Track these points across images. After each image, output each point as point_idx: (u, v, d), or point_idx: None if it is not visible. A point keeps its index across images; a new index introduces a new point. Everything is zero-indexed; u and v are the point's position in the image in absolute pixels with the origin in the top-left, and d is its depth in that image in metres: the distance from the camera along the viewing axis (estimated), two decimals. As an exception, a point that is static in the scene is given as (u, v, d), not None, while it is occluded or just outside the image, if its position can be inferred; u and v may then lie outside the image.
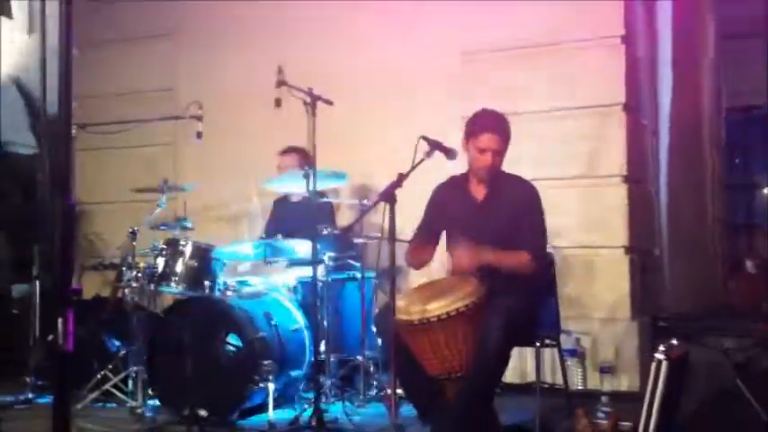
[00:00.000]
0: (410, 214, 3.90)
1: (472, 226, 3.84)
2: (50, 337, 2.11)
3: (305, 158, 4.82)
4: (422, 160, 3.66)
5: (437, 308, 3.43)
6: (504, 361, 3.57)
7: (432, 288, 3.72)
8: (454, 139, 3.88)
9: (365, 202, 4.97)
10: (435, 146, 3.73)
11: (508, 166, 4.04)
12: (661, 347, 3.35)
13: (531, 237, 3.83)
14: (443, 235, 4.02)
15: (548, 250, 4.05)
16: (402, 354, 3.43)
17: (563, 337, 4.24)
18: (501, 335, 3.45)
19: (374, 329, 4.34)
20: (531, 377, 3.99)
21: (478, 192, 3.95)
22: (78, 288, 1.92)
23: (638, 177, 5.38)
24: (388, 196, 3.50)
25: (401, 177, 3.55)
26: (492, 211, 3.88)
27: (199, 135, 4.70)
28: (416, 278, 4.62)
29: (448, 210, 4.00)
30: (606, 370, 4.67)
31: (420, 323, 3.44)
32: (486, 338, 3.44)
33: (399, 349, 3.41)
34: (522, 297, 3.67)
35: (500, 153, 3.87)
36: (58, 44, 2.34)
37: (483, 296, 3.49)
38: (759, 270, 7.15)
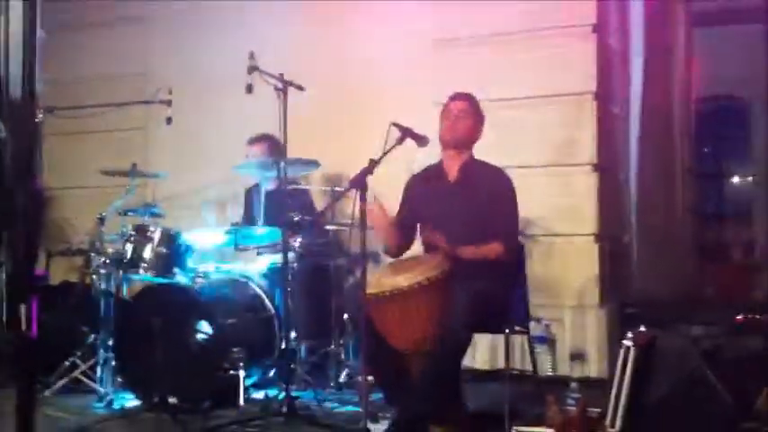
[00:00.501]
0: (383, 201, 3.92)
1: (444, 209, 3.88)
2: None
3: (274, 147, 4.80)
4: (393, 147, 3.68)
5: (407, 278, 3.50)
6: (467, 338, 3.59)
7: (401, 264, 3.82)
8: (426, 126, 3.90)
9: (337, 189, 4.96)
10: (406, 132, 3.75)
11: (480, 153, 4.07)
12: (629, 334, 3.38)
13: (504, 225, 3.87)
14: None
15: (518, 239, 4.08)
16: (371, 335, 3.45)
17: (533, 324, 4.27)
18: (468, 311, 3.49)
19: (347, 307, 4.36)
20: (501, 364, 4.00)
21: (451, 176, 3.98)
22: (43, 273, 1.89)
23: (608, 165, 5.40)
24: (359, 183, 3.51)
25: (372, 164, 3.57)
26: (464, 195, 3.91)
27: (168, 120, 4.65)
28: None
29: (422, 195, 4.04)
30: (576, 357, 4.71)
31: (391, 294, 3.48)
32: (453, 313, 3.47)
33: (369, 331, 3.44)
34: (491, 282, 3.70)
35: (466, 120, 3.93)
36: (22, 25, 2.30)
37: (450, 269, 3.54)
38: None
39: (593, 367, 4.90)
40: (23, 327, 1.95)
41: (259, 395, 4.46)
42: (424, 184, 4.10)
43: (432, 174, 4.08)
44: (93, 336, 4.69)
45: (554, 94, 5.19)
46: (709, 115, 9.44)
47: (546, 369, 4.84)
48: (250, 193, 5.43)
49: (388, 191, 4.11)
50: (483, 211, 3.85)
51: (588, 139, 5.18)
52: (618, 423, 3.29)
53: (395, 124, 3.73)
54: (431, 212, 3.96)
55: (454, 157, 4.02)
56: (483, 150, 4.07)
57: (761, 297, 5.91)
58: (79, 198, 6.18)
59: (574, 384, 4.00)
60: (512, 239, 3.92)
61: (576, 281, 5.10)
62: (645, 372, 3.32)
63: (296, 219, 4.52)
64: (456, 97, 4.03)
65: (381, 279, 3.57)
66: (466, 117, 3.96)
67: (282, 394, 4.07)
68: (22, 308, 1.97)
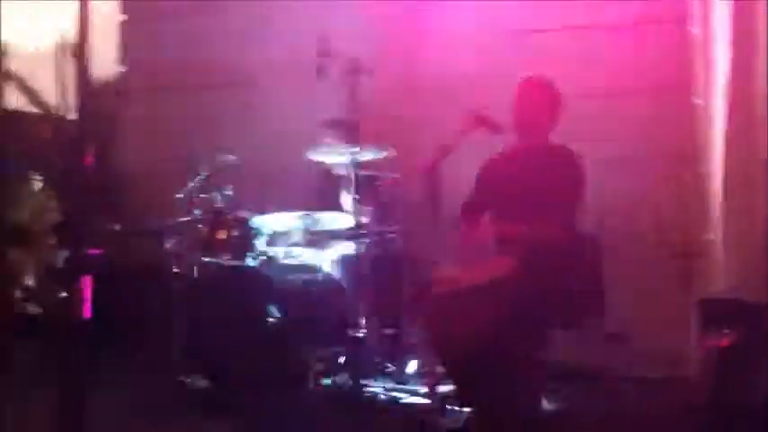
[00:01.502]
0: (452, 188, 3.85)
1: (511, 194, 3.78)
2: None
3: (348, 132, 4.75)
4: (466, 133, 3.61)
5: (478, 275, 3.49)
6: (540, 335, 3.51)
7: (473, 261, 3.78)
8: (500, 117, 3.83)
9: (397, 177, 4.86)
10: (481, 120, 3.68)
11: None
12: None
13: (567, 212, 3.74)
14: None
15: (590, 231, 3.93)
16: (441, 329, 3.39)
17: (607, 321, 4.14)
18: (540, 308, 3.45)
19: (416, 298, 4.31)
20: (572, 359, 3.91)
21: (521, 161, 3.87)
22: (98, 253, 1.88)
23: (689, 158, 5.23)
24: (431, 169, 3.46)
25: (444, 150, 3.50)
26: (531, 180, 3.78)
27: (244, 105, 4.67)
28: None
29: (492, 180, 3.95)
30: (653, 356, 4.57)
31: (461, 291, 3.45)
32: (526, 310, 3.40)
33: (439, 325, 3.38)
34: (564, 277, 3.59)
35: (530, 103, 3.83)
36: (79, 10, 2.30)
37: (521, 265, 3.47)
38: None
39: (671, 368, 4.74)
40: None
41: (327, 382, 4.44)
42: (494, 169, 4.00)
43: (503, 158, 3.98)
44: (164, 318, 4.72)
45: (635, 86, 5.04)
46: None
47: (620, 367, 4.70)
48: (322, 178, 5.40)
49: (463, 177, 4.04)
50: (560, 197, 3.71)
51: (669, 132, 5.01)
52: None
53: (471, 111, 3.67)
54: (501, 196, 3.86)
55: (532, 141, 3.89)
56: (563, 138, 3.97)
57: None
58: (154, 180, 6.25)
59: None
60: (570, 226, 3.76)
61: (654, 277, 4.95)
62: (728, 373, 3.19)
63: (367, 205, 4.49)
64: (524, 80, 3.91)
65: (452, 276, 3.49)
66: (531, 100, 3.82)
67: (351, 382, 4.04)
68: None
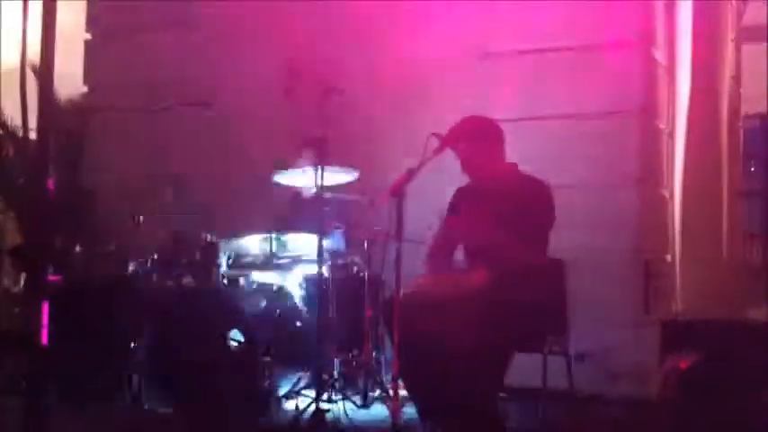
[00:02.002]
0: (418, 212, 3.86)
1: (483, 222, 3.80)
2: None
3: (317, 153, 4.75)
4: (431, 157, 3.63)
5: (445, 290, 3.51)
6: (506, 355, 3.53)
7: (440, 276, 3.82)
8: None
9: (372, 198, 4.88)
10: (446, 143, 3.69)
11: (523, 165, 4.01)
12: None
13: (536, 237, 3.78)
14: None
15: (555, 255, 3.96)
16: (407, 348, 3.39)
17: (571, 342, 4.16)
18: (507, 327, 3.45)
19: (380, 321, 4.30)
20: (537, 382, 3.91)
21: (490, 189, 3.91)
22: (55, 278, 1.85)
23: (652, 181, 5.29)
24: (397, 192, 3.47)
25: (410, 173, 3.52)
26: (502, 207, 3.82)
27: (208, 124, 4.66)
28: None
29: (462, 211, 3.98)
30: (615, 376, 4.59)
31: (427, 305, 3.47)
32: (492, 329, 3.40)
33: (403, 344, 3.38)
34: (530, 299, 3.62)
35: (466, 153, 3.84)
36: (41, 26, 2.28)
37: (489, 284, 3.50)
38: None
39: (633, 387, 4.76)
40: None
41: (290, 406, 4.41)
42: (466, 197, 4.04)
43: (474, 187, 4.02)
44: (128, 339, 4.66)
45: (598, 109, 5.09)
46: (757, 133, 9.26)
47: (584, 388, 4.71)
48: (289, 201, 5.39)
49: (427, 202, 4.06)
50: (524, 224, 3.75)
51: (632, 154, 5.07)
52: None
53: (434, 134, 3.69)
54: (472, 225, 3.89)
55: (488, 173, 3.94)
56: (527, 164, 4.00)
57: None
58: (118, 201, 6.19)
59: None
60: (541, 251, 3.81)
61: (616, 298, 4.98)
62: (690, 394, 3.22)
63: (333, 228, 4.48)
64: (457, 125, 3.91)
65: (418, 290, 3.52)
66: (463, 153, 3.87)
67: (313, 406, 4.02)
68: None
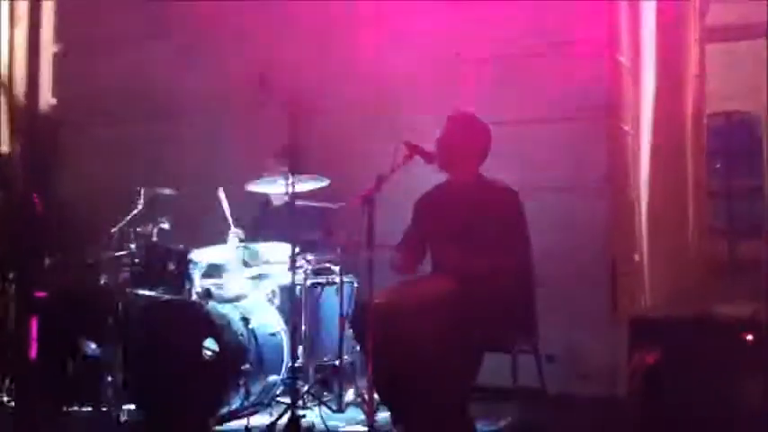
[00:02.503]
0: (391, 218, 3.92)
1: (451, 228, 3.87)
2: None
3: (288, 162, 4.79)
4: (401, 164, 3.70)
5: (415, 296, 3.58)
6: (476, 358, 3.59)
7: (409, 282, 3.88)
8: None
9: (343, 205, 4.93)
10: (415, 150, 3.76)
11: (490, 171, 4.07)
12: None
13: (512, 244, 3.85)
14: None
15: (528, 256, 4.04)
16: (377, 353, 3.44)
17: (541, 343, 4.23)
18: (476, 330, 3.52)
19: (349, 327, 4.34)
20: (508, 382, 3.97)
21: (457, 195, 3.97)
22: (43, 294, 1.89)
23: (618, 183, 5.38)
24: (367, 200, 3.52)
25: (380, 181, 3.58)
26: (470, 214, 3.89)
27: (180, 136, 4.70)
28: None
29: (430, 214, 4.04)
30: (584, 376, 4.67)
31: (398, 311, 3.52)
32: (461, 332, 3.47)
33: (375, 349, 3.43)
34: (499, 301, 3.68)
35: (448, 141, 3.91)
36: (27, 41, 2.32)
37: (458, 288, 3.56)
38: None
39: (603, 386, 4.84)
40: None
41: (265, 413, 4.45)
42: (432, 203, 4.10)
43: (439, 192, 4.08)
44: (100, 352, 4.67)
45: (564, 112, 5.16)
46: (721, 131, 9.42)
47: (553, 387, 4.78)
48: (261, 209, 5.43)
49: (399, 207, 4.12)
50: (490, 230, 3.82)
51: (598, 157, 5.15)
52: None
53: (404, 142, 3.76)
54: (438, 231, 3.96)
55: (460, 176, 4.00)
56: (494, 168, 4.06)
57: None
58: (89, 214, 6.19)
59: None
60: (520, 258, 3.89)
61: (585, 298, 5.06)
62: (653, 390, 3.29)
63: (305, 236, 4.53)
64: (448, 119, 4.02)
65: (389, 296, 3.57)
66: (455, 138, 3.94)
67: (288, 412, 4.06)
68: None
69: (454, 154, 3.93)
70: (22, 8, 5.46)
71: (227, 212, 4.97)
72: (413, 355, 3.50)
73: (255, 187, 4.96)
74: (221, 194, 4.94)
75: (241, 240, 4.85)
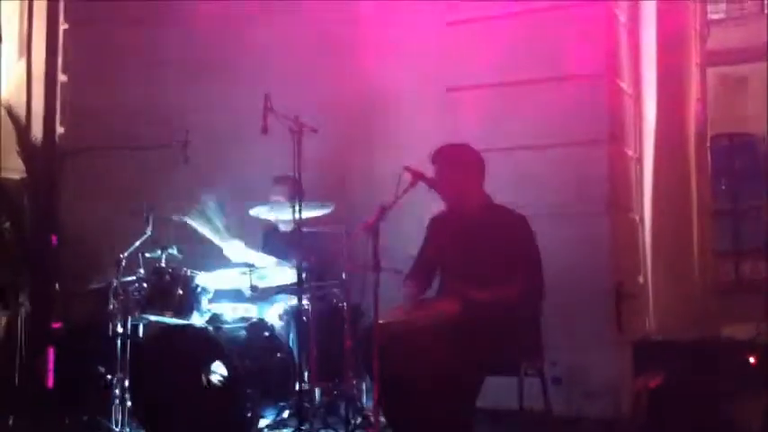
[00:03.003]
0: (399, 243, 3.98)
1: (460, 252, 3.92)
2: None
3: (293, 188, 4.86)
4: (405, 191, 3.74)
5: (421, 317, 3.63)
6: (479, 379, 3.64)
7: (416, 304, 3.92)
8: None
9: (348, 231, 4.98)
10: (418, 176, 3.80)
11: (494, 196, 4.13)
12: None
13: (523, 268, 3.88)
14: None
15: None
16: (383, 375, 3.47)
17: (547, 365, 4.25)
18: (481, 353, 3.55)
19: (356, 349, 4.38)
20: (514, 404, 4.00)
21: (467, 220, 4.01)
22: (58, 326, 1.93)
23: (622, 206, 5.43)
24: (371, 229, 3.57)
25: (383, 209, 3.62)
26: (480, 238, 3.94)
27: (185, 160, 4.76)
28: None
29: (440, 238, 4.09)
30: (590, 397, 4.69)
31: (404, 332, 3.58)
32: (467, 354, 3.51)
33: (381, 371, 3.46)
34: (505, 324, 3.72)
35: (445, 181, 3.93)
36: (45, 70, 2.38)
37: (464, 310, 3.60)
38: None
39: (607, 408, 4.86)
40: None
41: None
42: (443, 225, 4.15)
43: (450, 217, 4.13)
44: (109, 377, 4.72)
45: (567, 138, 5.22)
46: (724, 153, 9.48)
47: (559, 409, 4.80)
48: (267, 235, 5.48)
49: (408, 233, 4.17)
50: (500, 255, 3.86)
51: (601, 181, 5.20)
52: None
53: (407, 168, 3.80)
54: (448, 255, 4.00)
55: (468, 203, 4.05)
56: (498, 193, 4.12)
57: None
58: (97, 239, 6.24)
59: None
60: (531, 282, 3.91)
61: (590, 320, 5.09)
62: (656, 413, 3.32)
63: (311, 261, 4.58)
64: (437, 151, 4.05)
65: (395, 318, 3.61)
66: (442, 181, 3.98)
67: (296, 436, 4.09)
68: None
69: (454, 188, 3.97)
70: (39, 36, 5.53)
71: (220, 224, 5.03)
72: (418, 377, 3.53)
73: (260, 213, 5.02)
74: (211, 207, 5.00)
75: (249, 265, 4.89)
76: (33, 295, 1.98)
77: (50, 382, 1.89)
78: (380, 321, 3.55)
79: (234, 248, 4.97)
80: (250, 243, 5.20)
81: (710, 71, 7.93)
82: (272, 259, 4.90)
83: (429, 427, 3.53)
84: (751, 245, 9.96)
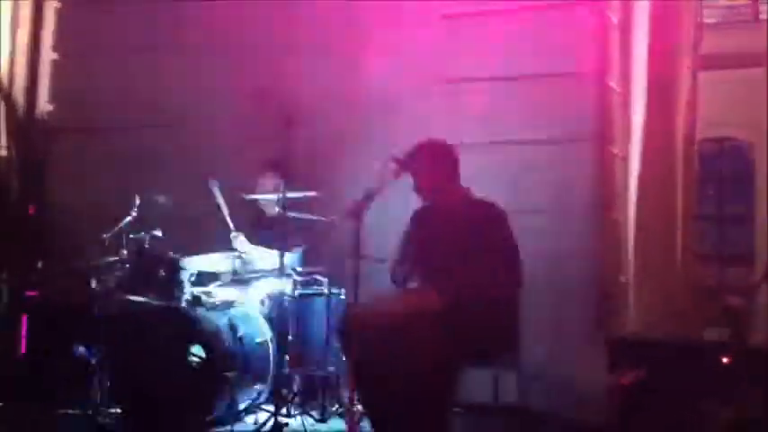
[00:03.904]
0: (380, 232, 4.00)
1: (440, 244, 3.94)
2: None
3: (281, 174, 4.87)
4: (389, 180, 3.76)
5: (399, 307, 3.65)
6: (456, 371, 3.66)
7: (394, 294, 3.93)
8: None
9: (333, 218, 5.00)
10: (405, 167, 3.82)
11: (479, 189, 4.15)
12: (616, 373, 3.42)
13: (500, 260, 3.90)
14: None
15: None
16: (362, 363, 3.50)
17: (524, 361, 4.28)
18: (459, 345, 3.56)
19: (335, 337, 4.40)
20: (489, 398, 4.03)
21: (446, 212, 4.03)
22: (34, 293, 1.93)
23: (606, 205, 5.46)
24: (355, 215, 3.59)
25: (368, 197, 3.64)
26: (459, 231, 3.95)
27: (175, 146, 4.77)
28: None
29: (421, 229, 4.10)
30: (568, 395, 4.72)
31: (382, 322, 3.58)
32: (444, 345, 3.52)
33: (360, 360, 3.48)
34: (484, 317, 3.74)
35: (419, 177, 3.97)
36: (27, 47, 2.39)
37: (443, 301, 3.62)
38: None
39: (585, 406, 4.88)
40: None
41: (250, 420, 4.50)
42: (422, 220, 4.15)
43: (429, 210, 4.14)
44: (89, 357, 4.72)
45: (553, 135, 5.24)
46: (713, 157, 9.52)
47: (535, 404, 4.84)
48: (252, 219, 5.50)
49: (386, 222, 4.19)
50: (477, 247, 3.88)
51: (587, 180, 5.23)
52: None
53: (393, 158, 3.82)
54: (427, 247, 4.02)
55: (443, 197, 4.07)
56: (482, 190, 4.14)
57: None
58: (82, 219, 6.25)
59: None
60: (507, 274, 3.93)
61: (570, 318, 5.12)
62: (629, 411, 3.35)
63: (295, 246, 4.60)
64: (412, 149, 4.03)
65: (374, 307, 3.63)
66: (418, 178, 4.00)
67: (272, 420, 4.11)
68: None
69: (429, 183, 3.99)
70: (24, 12, 5.53)
71: (227, 215, 5.06)
72: (394, 366, 3.56)
73: (252, 197, 5.04)
74: (217, 194, 5.01)
75: (233, 249, 4.91)
76: (11, 266, 2.00)
77: (23, 349, 1.91)
78: (357, 308, 3.57)
79: (239, 240, 5.00)
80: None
81: (702, 75, 7.96)
82: (268, 251, 4.90)
83: (403, 415, 3.55)
84: (735, 251, 10.02)
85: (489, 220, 3.97)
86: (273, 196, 4.68)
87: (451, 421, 3.68)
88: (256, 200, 5.15)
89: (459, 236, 3.94)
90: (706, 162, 8.63)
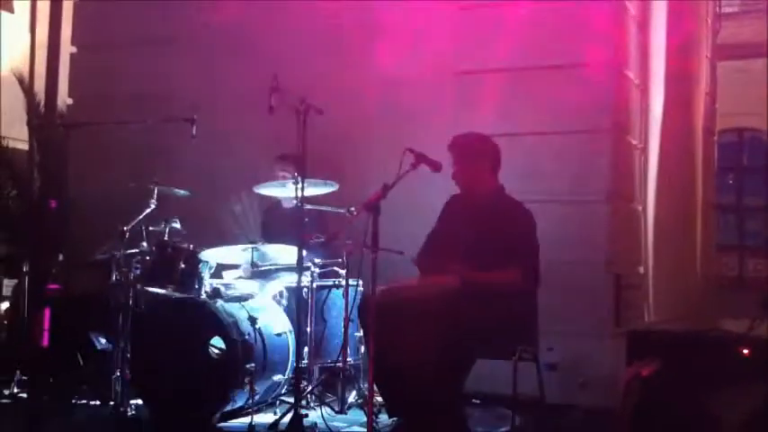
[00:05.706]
0: (397, 223, 4.01)
1: (467, 234, 3.97)
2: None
3: (297, 166, 4.88)
4: (407, 172, 3.78)
5: (418, 291, 3.76)
6: (471, 359, 3.73)
7: (414, 279, 4.03)
8: (445, 153, 4.07)
9: (352, 210, 5.01)
10: (420, 158, 3.84)
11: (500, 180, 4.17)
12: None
13: (522, 256, 3.94)
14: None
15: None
16: (379, 345, 3.51)
17: (542, 351, 4.29)
18: (476, 333, 3.64)
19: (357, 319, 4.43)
20: (508, 389, 4.04)
21: (477, 204, 4.07)
22: (56, 287, 1.95)
23: (624, 196, 5.45)
24: (372, 207, 3.61)
25: (385, 188, 3.66)
26: (486, 223, 3.99)
27: (192, 137, 4.78)
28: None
29: (452, 217, 4.15)
30: (584, 385, 4.72)
31: (400, 305, 3.67)
32: (462, 332, 3.58)
33: (376, 346, 3.51)
34: (502, 308, 3.76)
35: (458, 166, 4.07)
36: (48, 43, 2.41)
37: (462, 289, 3.70)
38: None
39: (602, 397, 4.89)
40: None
41: (269, 411, 4.53)
42: (454, 208, 4.22)
43: (463, 199, 4.20)
44: (109, 348, 4.77)
45: (572, 125, 5.23)
46: (732, 147, 9.48)
47: (553, 396, 4.84)
48: (269, 212, 5.53)
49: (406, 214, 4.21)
50: (502, 241, 3.92)
51: (605, 170, 5.22)
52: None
53: (410, 149, 3.84)
54: (455, 234, 4.07)
55: (478, 190, 4.10)
56: (502, 178, 4.17)
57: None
58: (102, 212, 6.29)
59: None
60: (528, 270, 3.97)
61: (587, 309, 5.11)
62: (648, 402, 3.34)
63: (312, 239, 4.61)
64: (453, 140, 4.15)
65: (395, 289, 3.67)
66: (464, 159, 4.10)
67: (291, 412, 4.13)
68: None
69: (466, 176, 4.06)
70: (42, 8, 5.55)
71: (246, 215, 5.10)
72: (410, 348, 3.58)
73: (264, 190, 5.06)
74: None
75: (251, 241, 4.94)
76: (33, 260, 2.02)
77: (45, 342, 1.94)
78: (380, 287, 3.61)
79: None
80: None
81: (721, 65, 7.92)
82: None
83: (417, 397, 3.59)
84: (755, 242, 9.96)
85: (515, 218, 4.03)
86: (290, 189, 4.68)
87: (463, 406, 3.71)
88: (270, 192, 5.15)
89: (485, 228, 3.97)
90: (726, 152, 8.58)
